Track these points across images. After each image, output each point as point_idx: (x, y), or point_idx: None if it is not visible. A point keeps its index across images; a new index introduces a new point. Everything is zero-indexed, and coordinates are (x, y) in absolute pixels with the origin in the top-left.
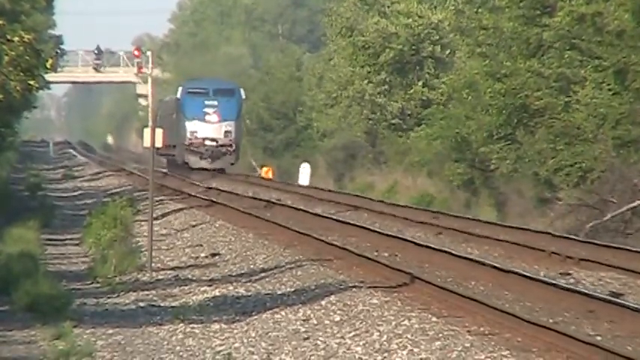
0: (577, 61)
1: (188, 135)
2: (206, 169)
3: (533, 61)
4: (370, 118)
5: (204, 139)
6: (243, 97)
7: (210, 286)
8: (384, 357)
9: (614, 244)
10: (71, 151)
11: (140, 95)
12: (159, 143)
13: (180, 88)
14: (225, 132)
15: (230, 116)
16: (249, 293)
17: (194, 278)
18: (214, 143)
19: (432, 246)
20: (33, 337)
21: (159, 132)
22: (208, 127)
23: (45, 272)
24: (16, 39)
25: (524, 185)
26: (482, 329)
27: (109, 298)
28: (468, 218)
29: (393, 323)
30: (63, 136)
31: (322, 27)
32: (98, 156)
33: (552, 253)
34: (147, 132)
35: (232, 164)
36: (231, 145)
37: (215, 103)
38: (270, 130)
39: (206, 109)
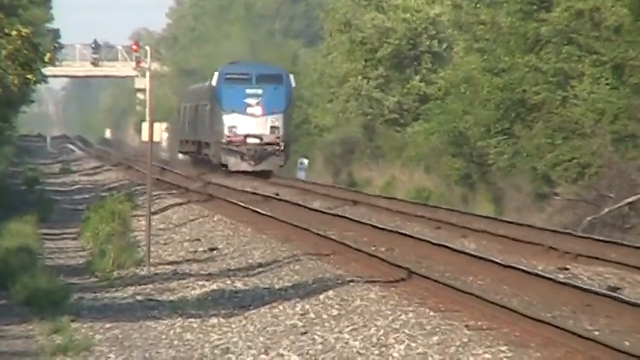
0: (575, 56)
1: (226, 131)
2: (248, 172)
3: (530, 56)
4: (368, 113)
5: (245, 136)
6: (293, 84)
7: (208, 280)
8: (382, 351)
9: (611, 239)
10: (70, 145)
11: (138, 89)
12: (157, 138)
13: (215, 74)
14: (272, 127)
15: (277, 108)
16: (247, 287)
17: (192, 272)
18: (258, 141)
19: (430, 240)
20: (31, 331)
21: (157, 126)
22: (251, 121)
23: (43, 266)
24: (13, 33)
25: (522, 180)
26: (480, 324)
27: (106, 292)
28: (466, 213)
29: (391, 318)
30: (60, 131)
31: (319, 22)
32: (95, 150)
33: (550, 247)
34: (145, 126)
35: (281, 166)
36: (278, 144)
37: (259, 91)
38: None
39: (248, 100)
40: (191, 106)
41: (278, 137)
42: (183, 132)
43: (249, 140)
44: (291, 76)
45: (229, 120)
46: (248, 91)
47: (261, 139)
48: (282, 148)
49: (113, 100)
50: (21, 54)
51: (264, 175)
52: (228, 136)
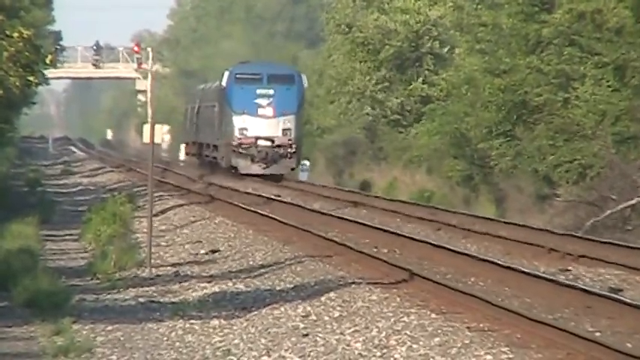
0: (576, 58)
1: (236, 133)
2: (259, 176)
3: (532, 58)
4: (370, 115)
5: (256, 138)
6: (306, 84)
7: (209, 282)
8: (384, 353)
9: (613, 241)
10: (71, 147)
11: (139, 91)
12: (158, 139)
13: (225, 74)
14: (284, 129)
15: (289, 109)
16: (249, 289)
17: (194, 274)
18: (269, 143)
19: (431, 242)
20: (32, 333)
21: (158, 128)
22: (262, 123)
23: (44, 268)
24: (15, 35)
25: (524, 181)
26: (481, 325)
27: (108, 294)
28: (467, 214)
29: (392, 319)
30: (62, 132)
31: (321, 23)
32: (97, 152)
33: (551, 249)
34: (146, 128)
35: (293, 169)
36: (290, 146)
37: (270, 92)
38: None
39: (259, 101)
40: (199, 107)
41: (290, 139)
42: (189, 133)
43: (260, 142)
44: (304, 76)
45: (240, 121)
46: (259, 91)
47: (273, 141)
48: (294, 150)
49: (114, 101)
50: (23, 56)
51: (274, 179)
52: (239, 138)
